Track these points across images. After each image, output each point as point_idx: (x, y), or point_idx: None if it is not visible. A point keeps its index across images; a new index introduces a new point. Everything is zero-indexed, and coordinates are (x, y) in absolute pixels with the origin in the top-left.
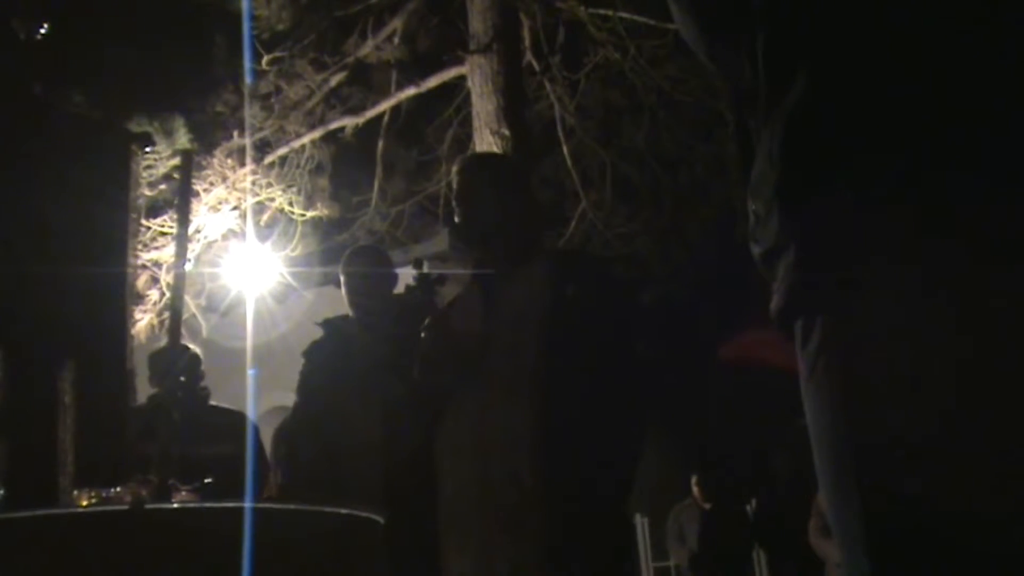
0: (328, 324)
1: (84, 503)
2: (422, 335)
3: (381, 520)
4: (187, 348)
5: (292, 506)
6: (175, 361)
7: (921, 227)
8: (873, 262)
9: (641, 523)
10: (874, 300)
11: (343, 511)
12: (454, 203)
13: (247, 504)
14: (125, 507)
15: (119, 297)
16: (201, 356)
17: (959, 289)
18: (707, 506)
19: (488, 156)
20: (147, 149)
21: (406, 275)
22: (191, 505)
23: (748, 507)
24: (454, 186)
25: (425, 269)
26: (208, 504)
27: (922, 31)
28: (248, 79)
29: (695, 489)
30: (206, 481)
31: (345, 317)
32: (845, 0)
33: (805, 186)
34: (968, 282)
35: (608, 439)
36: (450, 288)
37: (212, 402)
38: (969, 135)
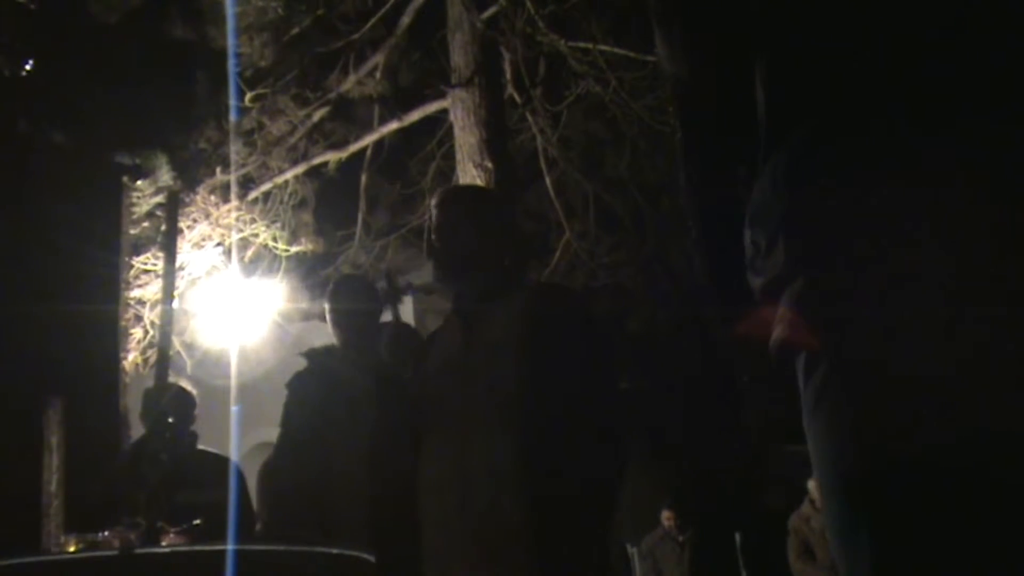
0: (311, 354)
1: (72, 548)
2: (409, 371)
3: (371, 559)
4: (183, 389)
5: (283, 547)
6: (159, 401)
7: (933, 258)
8: (884, 295)
9: (635, 554)
10: (883, 333)
11: (334, 551)
12: (433, 236)
13: (237, 546)
14: (114, 552)
15: (110, 335)
16: (196, 398)
17: (973, 319)
18: (680, 538)
19: (466, 189)
20: (138, 181)
21: None
22: (181, 549)
23: (736, 537)
24: (432, 219)
25: (399, 282)
26: (198, 547)
27: (928, 61)
28: (231, 116)
29: (667, 522)
30: (195, 523)
31: (329, 347)
32: (850, 30)
33: (814, 216)
34: (983, 311)
35: (588, 469)
36: (433, 320)
37: (200, 446)
38: (980, 160)
